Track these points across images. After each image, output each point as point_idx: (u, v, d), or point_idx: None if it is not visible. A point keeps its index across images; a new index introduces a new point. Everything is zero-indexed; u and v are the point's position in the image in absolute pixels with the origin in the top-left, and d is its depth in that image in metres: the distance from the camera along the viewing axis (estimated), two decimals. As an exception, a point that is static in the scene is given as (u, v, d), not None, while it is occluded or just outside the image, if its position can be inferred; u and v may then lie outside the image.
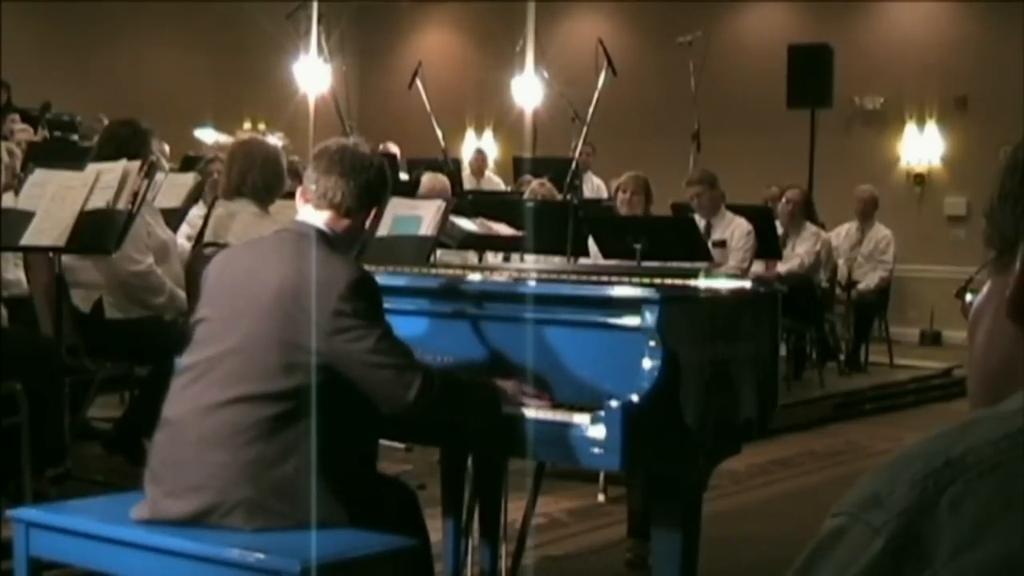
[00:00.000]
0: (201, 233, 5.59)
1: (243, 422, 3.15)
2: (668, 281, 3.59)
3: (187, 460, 3.20)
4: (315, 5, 10.53)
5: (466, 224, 6.40)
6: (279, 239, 3.38)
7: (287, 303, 3.16)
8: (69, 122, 11.38)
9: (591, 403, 3.21)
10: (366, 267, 3.72)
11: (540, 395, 3.35)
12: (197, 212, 6.58)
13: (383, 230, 5.46)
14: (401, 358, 3.18)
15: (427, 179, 7.59)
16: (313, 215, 3.35)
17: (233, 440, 3.15)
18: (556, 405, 3.32)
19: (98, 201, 4.91)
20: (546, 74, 12.86)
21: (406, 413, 3.20)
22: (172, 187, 6.71)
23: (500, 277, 3.98)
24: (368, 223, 3.39)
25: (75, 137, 10.73)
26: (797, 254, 9.33)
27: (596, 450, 3.15)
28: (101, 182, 4.95)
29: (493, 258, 6.94)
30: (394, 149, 12.07)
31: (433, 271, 4.34)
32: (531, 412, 3.30)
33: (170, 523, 3.20)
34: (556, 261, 6.86)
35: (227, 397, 3.18)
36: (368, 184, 3.34)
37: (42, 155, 7.19)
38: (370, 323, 3.16)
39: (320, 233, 3.30)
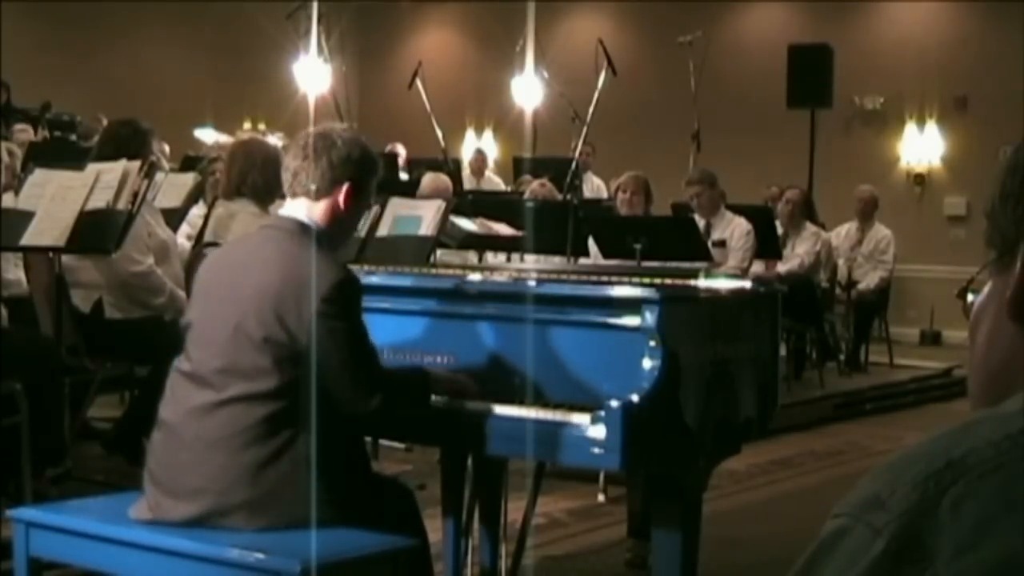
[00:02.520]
0: (201, 233, 5.59)
1: (239, 424, 3.16)
2: (668, 281, 3.59)
3: (185, 462, 3.21)
4: (315, 5, 10.53)
5: (466, 224, 6.41)
6: (263, 237, 3.36)
7: (272, 302, 3.16)
8: (69, 122, 11.39)
9: (591, 403, 3.21)
10: (365, 267, 3.72)
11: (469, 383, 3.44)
12: (197, 212, 6.58)
13: (383, 230, 5.48)
14: (373, 367, 3.22)
15: (429, 179, 7.58)
16: (292, 206, 3.34)
17: (231, 442, 3.16)
18: (556, 405, 3.32)
19: (98, 201, 4.91)
20: (546, 74, 12.86)
21: (363, 417, 3.26)
22: (172, 187, 6.71)
23: (500, 277, 3.98)
24: (343, 202, 3.29)
25: (74, 137, 10.74)
26: (797, 254, 9.33)
27: (596, 450, 3.15)
28: (101, 182, 4.95)
29: (493, 258, 6.94)
30: (401, 150, 12.07)
31: (433, 271, 4.34)
32: (531, 412, 3.30)
33: (171, 525, 3.20)
34: (556, 261, 6.86)
35: (221, 398, 3.19)
36: (331, 163, 3.27)
37: (42, 155, 7.19)
38: (350, 326, 3.18)
39: (302, 227, 3.27)
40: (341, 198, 3.29)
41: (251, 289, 3.19)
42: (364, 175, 3.34)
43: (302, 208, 3.30)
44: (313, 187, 3.28)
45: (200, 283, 3.41)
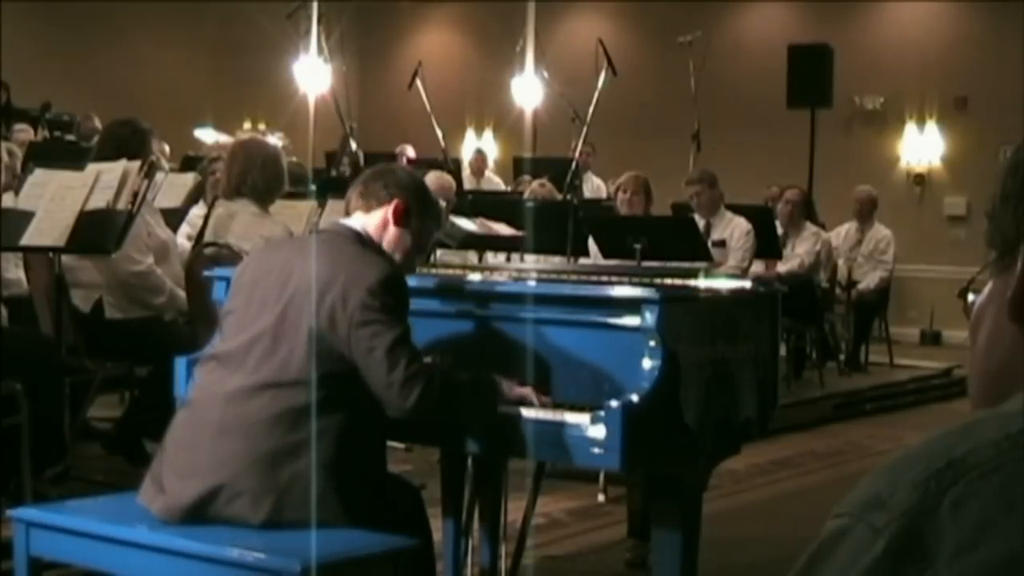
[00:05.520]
0: (201, 233, 5.59)
1: (263, 413, 3.18)
2: (668, 281, 3.59)
3: (202, 443, 3.23)
4: (315, 5, 10.53)
5: (466, 224, 6.41)
6: (314, 237, 3.53)
7: (315, 293, 3.20)
8: (69, 122, 11.39)
9: (591, 403, 3.21)
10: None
11: (540, 393, 3.36)
12: (197, 212, 6.58)
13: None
14: (411, 364, 3.18)
15: (432, 178, 7.55)
16: (351, 221, 3.46)
17: (251, 430, 3.17)
18: (556, 405, 3.32)
19: (98, 201, 4.91)
20: (546, 74, 12.87)
21: (403, 417, 3.24)
22: (172, 187, 6.72)
23: (500, 277, 3.98)
24: (393, 217, 3.40)
25: (74, 137, 10.74)
26: (797, 254, 9.33)
27: (596, 450, 3.15)
28: (101, 182, 4.95)
29: (493, 258, 6.94)
30: (410, 151, 12.09)
31: (433, 271, 4.34)
32: (531, 412, 3.30)
33: (175, 507, 3.20)
34: (556, 261, 6.86)
35: (249, 384, 3.21)
36: (384, 184, 3.45)
37: (42, 155, 7.19)
38: (393, 321, 3.19)
39: (355, 233, 3.39)
40: (391, 213, 3.40)
41: (297, 278, 3.26)
42: (414, 200, 3.46)
43: (358, 221, 3.43)
44: (367, 202, 3.43)
45: (243, 274, 3.46)
